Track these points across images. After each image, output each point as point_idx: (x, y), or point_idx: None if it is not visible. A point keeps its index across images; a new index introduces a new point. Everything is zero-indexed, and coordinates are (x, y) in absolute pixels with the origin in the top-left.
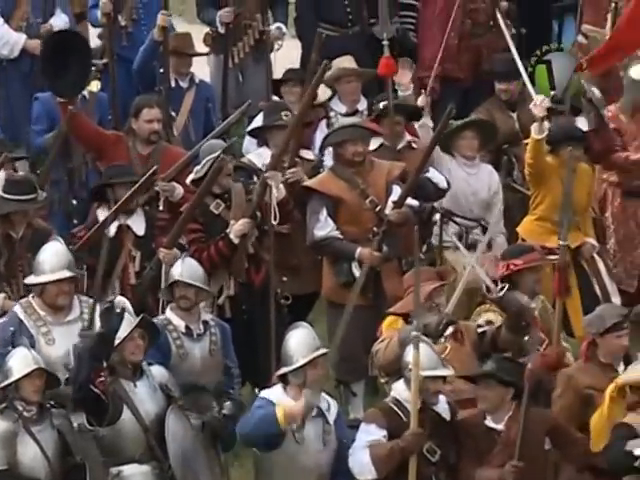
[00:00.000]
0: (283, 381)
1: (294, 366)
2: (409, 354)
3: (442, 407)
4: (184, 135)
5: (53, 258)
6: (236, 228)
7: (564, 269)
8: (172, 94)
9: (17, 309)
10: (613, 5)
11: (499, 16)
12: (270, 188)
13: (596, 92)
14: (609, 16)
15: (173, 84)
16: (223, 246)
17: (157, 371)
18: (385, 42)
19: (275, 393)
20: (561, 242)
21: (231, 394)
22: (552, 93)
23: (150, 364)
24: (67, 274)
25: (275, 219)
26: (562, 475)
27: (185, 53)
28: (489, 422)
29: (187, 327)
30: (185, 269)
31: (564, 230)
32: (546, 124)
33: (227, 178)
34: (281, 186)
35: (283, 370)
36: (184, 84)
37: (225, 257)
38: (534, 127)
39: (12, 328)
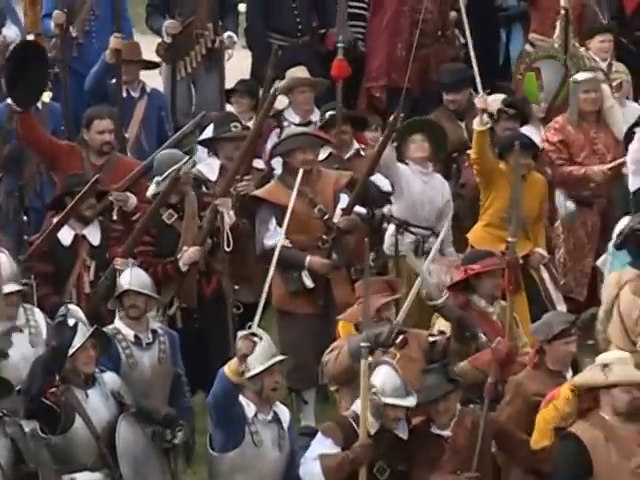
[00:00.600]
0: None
1: (251, 373)
2: (376, 377)
3: (401, 427)
4: (136, 145)
5: None
6: (186, 256)
7: (514, 266)
8: (124, 104)
9: None
10: (563, 12)
11: (464, 25)
12: (221, 214)
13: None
14: (558, 24)
15: (125, 94)
16: (171, 269)
17: (109, 378)
18: (340, 44)
19: None
20: (510, 239)
21: (182, 424)
22: (503, 97)
23: (102, 371)
24: (15, 288)
25: (228, 245)
26: (510, 477)
27: (132, 60)
28: (434, 429)
29: (136, 336)
30: (134, 278)
31: (512, 227)
32: (486, 117)
33: (187, 186)
34: (231, 212)
35: (252, 372)
36: (135, 94)
37: (171, 279)
38: (476, 120)
39: None
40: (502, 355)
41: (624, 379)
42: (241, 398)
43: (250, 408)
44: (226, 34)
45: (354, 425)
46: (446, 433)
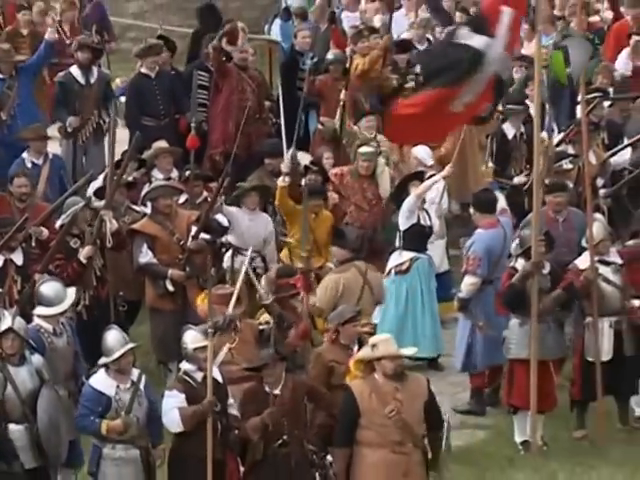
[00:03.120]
0: (105, 366)
1: (112, 357)
2: (187, 337)
3: (217, 374)
4: (45, 197)
5: None
6: (83, 252)
7: (307, 274)
8: (32, 170)
9: None
10: (342, 102)
11: (280, 110)
12: (105, 222)
13: None
14: (338, 110)
15: (30, 164)
16: (76, 266)
17: (36, 359)
18: (193, 124)
19: (100, 378)
20: (302, 254)
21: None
22: (310, 158)
23: (32, 354)
24: None
25: (110, 243)
26: (316, 419)
27: (44, 137)
28: (267, 388)
29: (53, 329)
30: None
31: (303, 249)
32: (287, 178)
33: (84, 223)
34: (114, 220)
35: (104, 360)
36: (39, 161)
37: (78, 274)
38: (279, 179)
39: None
40: (300, 331)
41: (386, 353)
42: (106, 379)
43: (111, 386)
44: (110, 117)
45: (187, 379)
46: (276, 392)
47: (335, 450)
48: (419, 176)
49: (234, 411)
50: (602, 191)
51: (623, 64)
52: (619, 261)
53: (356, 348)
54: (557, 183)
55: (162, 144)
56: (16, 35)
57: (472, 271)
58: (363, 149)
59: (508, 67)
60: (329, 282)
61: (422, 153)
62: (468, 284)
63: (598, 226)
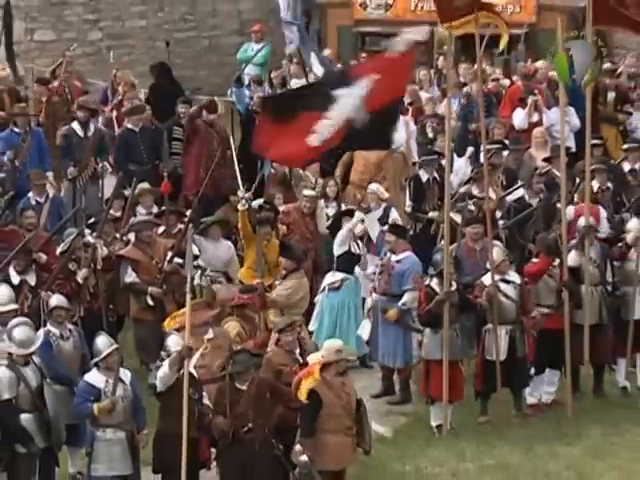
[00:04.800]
0: (96, 365)
1: (101, 357)
2: (169, 341)
3: (193, 371)
4: (45, 230)
5: None
6: (80, 274)
7: (262, 295)
8: (35, 207)
9: None
10: None
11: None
12: (97, 249)
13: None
14: None
15: (34, 202)
16: (74, 285)
17: (36, 359)
18: (165, 173)
19: (93, 374)
20: (258, 281)
21: None
22: (263, 199)
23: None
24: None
25: (99, 266)
26: (276, 410)
27: (40, 184)
28: (237, 385)
29: (61, 334)
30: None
31: (259, 273)
32: (245, 202)
33: (80, 250)
34: (104, 247)
35: (95, 360)
36: (41, 199)
37: (75, 291)
38: (239, 205)
39: None
40: (259, 341)
41: (348, 355)
42: (97, 376)
43: (102, 381)
44: (103, 164)
45: None
46: (244, 387)
47: (306, 440)
48: (350, 212)
49: (206, 401)
50: (501, 222)
51: (521, 120)
52: (517, 280)
53: (298, 351)
54: (473, 217)
55: (145, 185)
56: (36, 102)
57: (419, 288)
58: (306, 192)
59: (364, 119)
60: (303, 286)
61: (380, 187)
62: (415, 298)
63: (497, 250)
